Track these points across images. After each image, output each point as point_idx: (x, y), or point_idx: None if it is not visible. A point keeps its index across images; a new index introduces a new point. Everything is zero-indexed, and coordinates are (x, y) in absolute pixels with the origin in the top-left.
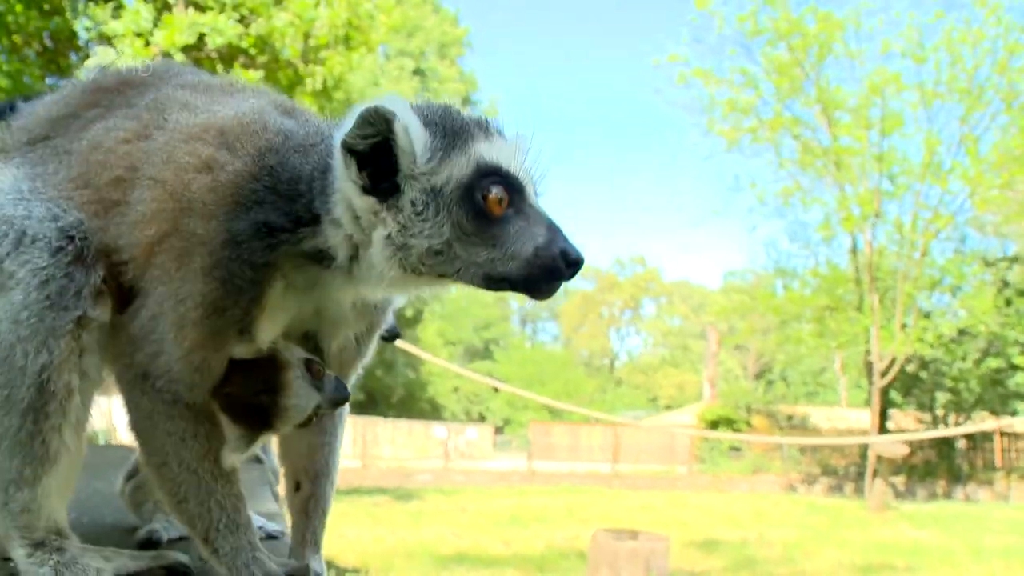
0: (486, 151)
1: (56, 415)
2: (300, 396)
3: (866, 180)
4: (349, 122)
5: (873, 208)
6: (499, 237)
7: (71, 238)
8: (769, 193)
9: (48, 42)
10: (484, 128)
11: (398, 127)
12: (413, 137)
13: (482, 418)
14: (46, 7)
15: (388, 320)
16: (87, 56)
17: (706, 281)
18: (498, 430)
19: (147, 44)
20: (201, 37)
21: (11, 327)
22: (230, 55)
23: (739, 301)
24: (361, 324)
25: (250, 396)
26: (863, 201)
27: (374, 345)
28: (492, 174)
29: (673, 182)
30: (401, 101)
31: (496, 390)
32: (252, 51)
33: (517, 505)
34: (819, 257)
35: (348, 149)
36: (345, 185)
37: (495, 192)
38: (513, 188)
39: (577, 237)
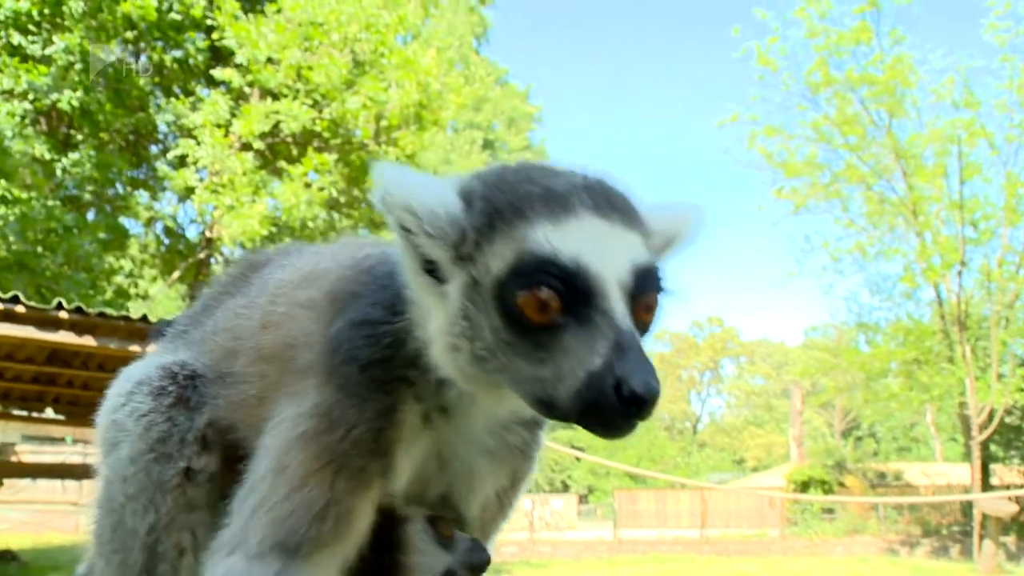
0: (541, 236)
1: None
2: (425, 554)
3: (946, 228)
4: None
5: (957, 256)
6: (547, 351)
7: (173, 376)
8: (842, 250)
9: (131, 136)
10: (554, 204)
11: (392, 206)
12: (424, 212)
13: (565, 487)
14: (130, 104)
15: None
16: (167, 148)
17: (786, 338)
18: (582, 499)
19: (226, 134)
20: (277, 124)
21: (120, 486)
22: (305, 140)
23: (821, 358)
24: (501, 475)
25: (365, 553)
26: (945, 249)
27: (519, 500)
28: (535, 271)
29: (748, 243)
30: (404, 175)
31: (578, 459)
32: (326, 135)
33: None
34: (902, 310)
35: (400, 226)
36: (407, 267)
37: (536, 294)
38: (572, 289)
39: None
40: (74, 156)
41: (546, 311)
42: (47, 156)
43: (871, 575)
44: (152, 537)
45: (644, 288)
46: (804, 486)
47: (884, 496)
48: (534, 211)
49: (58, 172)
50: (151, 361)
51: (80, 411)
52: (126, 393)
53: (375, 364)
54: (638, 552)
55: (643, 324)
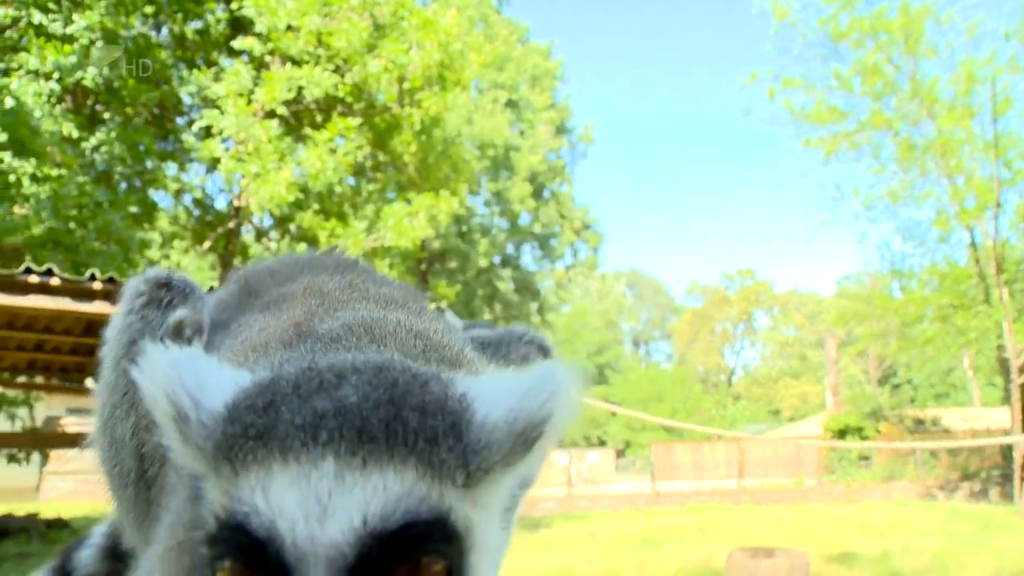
0: (247, 491)
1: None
2: None
3: (979, 169)
4: None
5: (992, 197)
6: None
7: (147, 280)
8: (874, 197)
9: (156, 110)
10: (284, 438)
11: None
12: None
13: (601, 443)
14: (154, 78)
15: None
16: (192, 120)
17: (819, 288)
18: (619, 453)
19: (249, 103)
20: (299, 91)
21: (107, 398)
22: (328, 105)
23: (855, 307)
24: None
25: None
26: (979, 191)
27: None
28: (225, 540)
29: (777, 194)
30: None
31: (614, 414)
32: (349, 99)
33: (645, 527)
34: (936, 254)
35: None
36: None
37: (226, 567)
38: (266, 567)
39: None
40: (101, 134)
41: None
42: (75, 134)
43: (909, 519)
44: (136, 439)
45: (397, 552)
46: (841, 434)
47: (925, 441)
48: (255, 453)
49: (87, 150)
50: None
51: None
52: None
53: None
54: (676, 503)
55: None
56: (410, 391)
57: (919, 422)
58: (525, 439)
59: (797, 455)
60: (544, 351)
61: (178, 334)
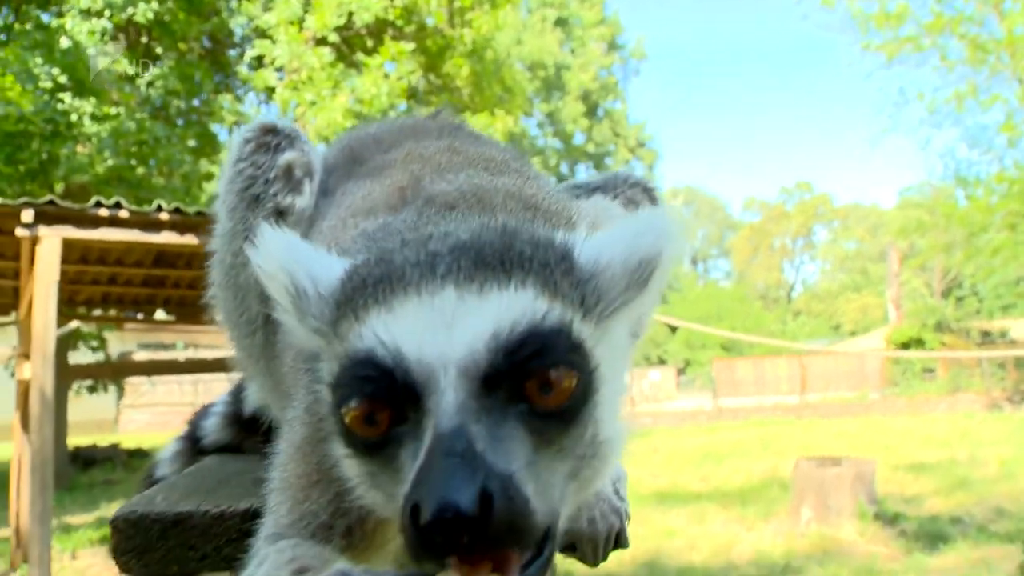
0: (369, 329)
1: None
2: None
3: None
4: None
5: None
6: (382, 469)
7: (254, 128)
8: (939, 101)
9: (208, 43)
10: (399, 278)
11: (271, 281)
12: (296, 283)
13: (662, 361)
14: (204, 11)
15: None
16: (244, 51)
17: (880, 200)
18: (680, 371)
19: (300, 30)
20: (350, 16)
21: (227, 247)
22: (379, 30)
23: (918, 217)
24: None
25: None
26: None
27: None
28: (355, 377)
29: (835, 105)
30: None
31: (673, 330)
32: (399, 23)
33: (708, 442)
34: (1005, 160)
35: None
36: None
37: (359, 406)
38: (396, 390)
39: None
40: (156, 70)
41: (374, 424)
42: (130, 71)
43: (976, 430)
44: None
45: (526, 363)
46: (904, 347)
47: (993, 351)
48: (373, 296)
49: (142, 86)
50: None
51: (188, 311)
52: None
53: None
54: (738, 419)
55: (544, 409)
56: (520, 231)
57: (986, 334)
58: (639, 276)
59: (860, 369)
60: (649, 193)
61: (288, 176)
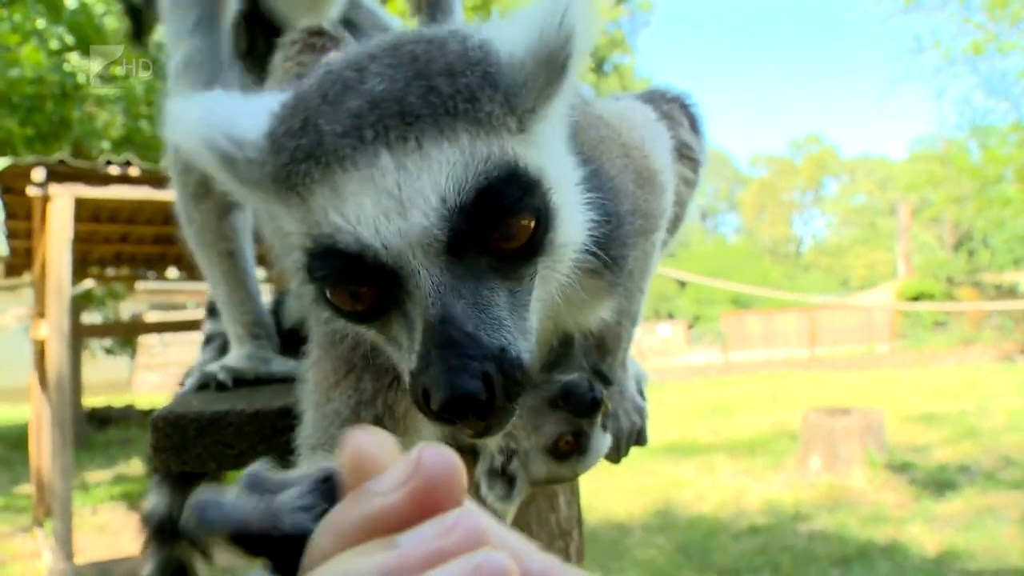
0: (320, 213)
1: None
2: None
3: None
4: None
5: None
6: (379, 332)
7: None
8: (956, 49)
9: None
10: (334, 152)
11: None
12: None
13: (671, 316)
14: None
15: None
16: None
17: (889, 152)
18: (689, 326)
19: None
20: None
21: None
22: None
23: (930, 170)
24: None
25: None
26: None
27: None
28: (323, 265)
29: (846, 56)
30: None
31: (683, 285)
32: None
33: (718, 396)
34: (1021, 110)
35: None
36: None
37: (335, 290)
38: (366, 273)
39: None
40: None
41: (359, 299)
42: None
43: (985, 382)
44: None
45: (485, 220)
46: (915, 300)
47: (1003, 303)
48: (312, 174)
49: (151, 46)
50: None
51: (199, 269)
52: None
53: None
54: (748, 372)
55: (510, 251)
56: (432, 58)
57: (997, 287)
58: (556, 64)
59: (869, 323)
60: (687, 109)
61: None
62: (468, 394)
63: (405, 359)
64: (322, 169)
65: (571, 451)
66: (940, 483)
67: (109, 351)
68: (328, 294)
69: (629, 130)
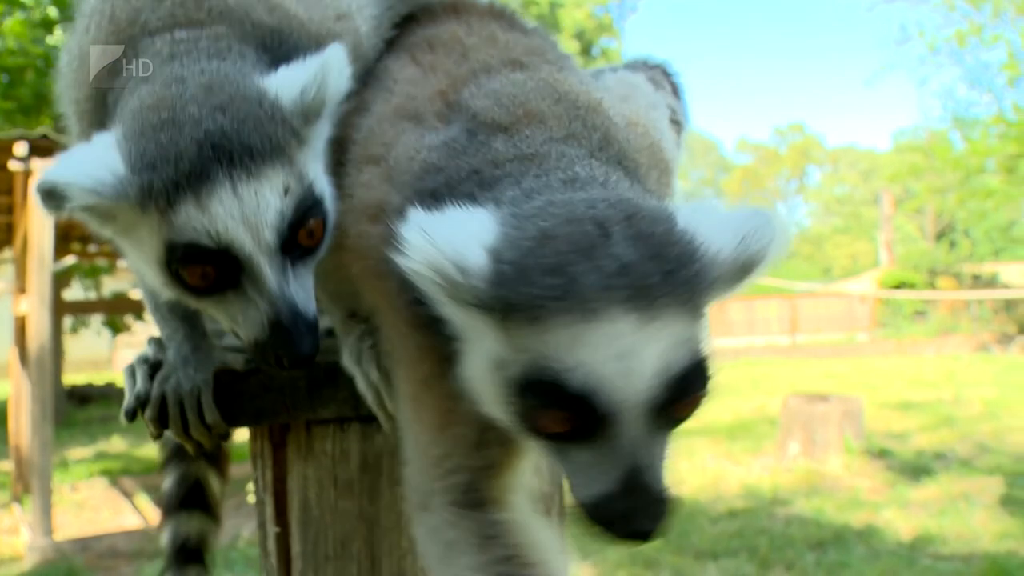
0: (553, 350)
1: None
2: None
3: None
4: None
5: None
6: (561, 459)
7: None
8: (940, 40)
9: None
10: (578, 300)
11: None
12: (447, 275)
13: None
14: None
15: None
16: None
17: (874, 143)
18: None
19: None
20: None
21: None
22: None
23: (913, 160)
24: None
25: None
26: None
27: None
28: (543, 392)
29: (832, 45)
30: (428, 221)
31: None
32: None
33: None
34: (1004, 102)
35: None
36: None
37: (544, 412)
38: (582, 413)
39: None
40: None
41: (557, 424)
42: None
43: (963, 371)
44: None
45: (682, 394)
46: (896, 289)
47: (984, 292)
48: (559, 313)
49: None
50: None
51: None
52: None
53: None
54: (729, 358)
55: (677, 421)
56: (664, 242)
57: (976, 277)
58: (744, 273)
59: (850, 311)
60: (669, 77)
61: None
62: (657, 527)
63: (583, 484)
64: (570, 312)
65: None
66: (916, 469)
67: (83, 325)
68: (534, 420)
69: (645, 124)
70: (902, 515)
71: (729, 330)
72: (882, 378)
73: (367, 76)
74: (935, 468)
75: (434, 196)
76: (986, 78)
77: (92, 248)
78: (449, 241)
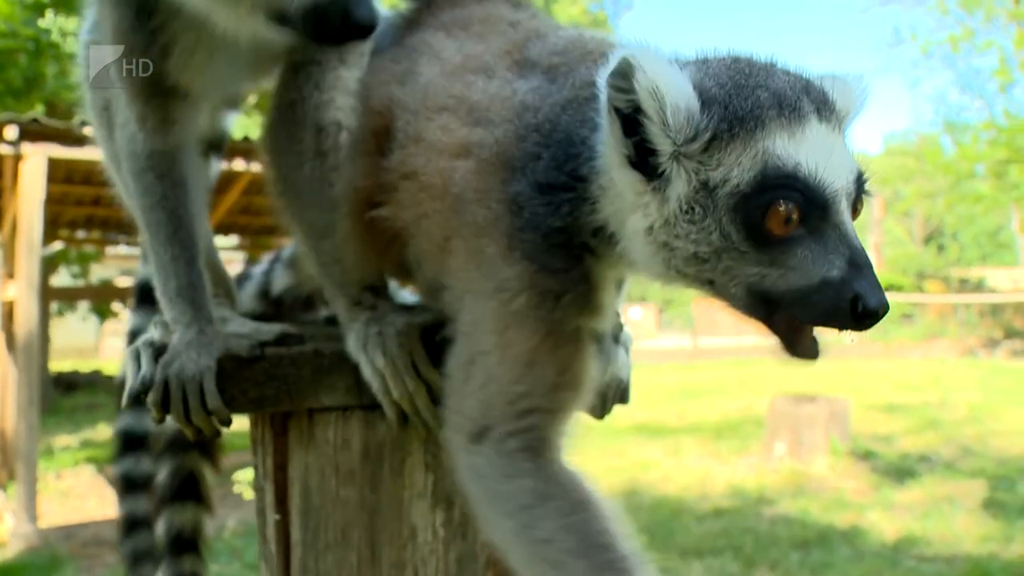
0: (782, 150)
1: (333, 154)
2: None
3: None
4: (609, 68)
5: None
6: (779, 259)
7: None
8: (934, 43)
9: None
10: (788, 111)
11: (641, 87)
12: (665, 97)
13: (643, 299)
14: None
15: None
16: None
17: (865, 146)
18: (661, 309)
19: None
20: None
21: (295, 81)
22: None
23: (904, 163)
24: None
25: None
26: None
27: None
28: (782, 186)
29: (826, 46)
30: (657, 54)
31: None
32: None
33: (686, 380)
34: (994, 108)
35: (613, 107)
36: (609, 150)
37: (782, 209)
38: (812, 204)
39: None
40: None
41: (788, 225)
42: None
43: (949, 375)
44: (318, 114)
45: (859, 195)
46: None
47: (970, 296)
48: (772, 120)
49: None
50: None
51: None
52: None
53: (557, 232)
54: (717, 358)
55: (854, 216)
56: (820, 86)
57: (964, 281)
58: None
59: None
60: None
61: None
62: (887, 311)
63: (804, 271)
64: (782, 117)
65: None
66: (901, 471)
67: (70, 309)
68: (767, 217)
69: None
70: (886, 516)
71: (717, 329)
72: (869, 380)
73: (396, 49)
74: (919, 470)
75: (537, 130)
76: (978, 83)
77: (80, 234)
78: (669, 76)
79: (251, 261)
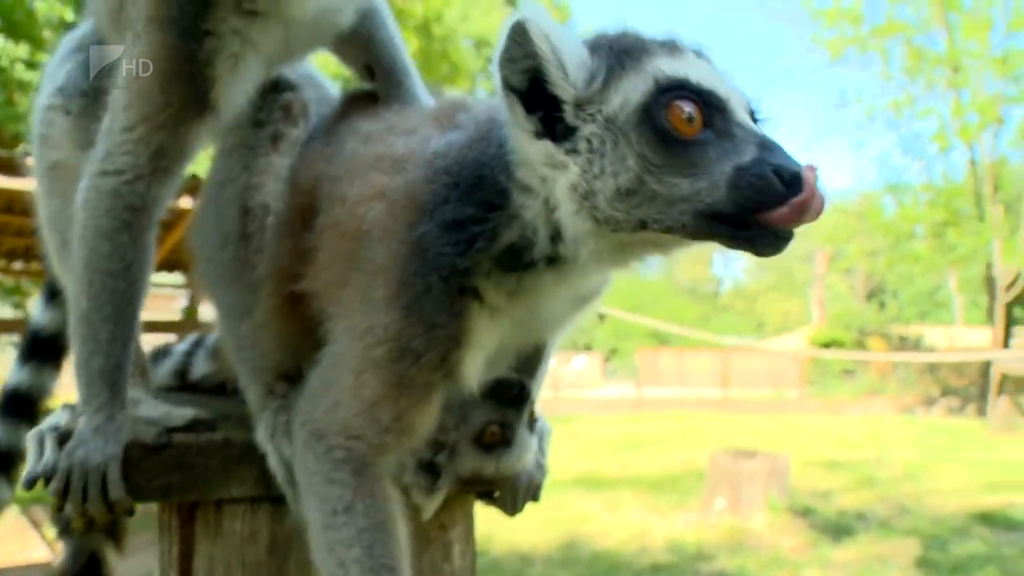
0: (668, 66)
1: (257, 237)
2: (522, 446)
3: (985, 86)
4: (499, 46)
5: (994, 115)
6: (698, 163)
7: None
8: (877, 107)
9: None
10: (671, 46)
11: (536, 38)
12: (560, 49)
13: (588, 348)
14: None
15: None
16: None
17: None
18: (606, 359)
19: None
20: None
21: (224, 164)
22: None
23: (846, 222)
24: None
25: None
26: (982, 108)
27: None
28: (674, 88)
29: (775, 104)
30: (543, 13)
31: (601, 318)
32: None
33: (629, 431)
34: (933, 171)
35: (509, 87)
36: (516, 135)
37: (682, 109)
38: (708, 104)
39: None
40: None
41: (692, 123)
42: (72, 17)
43: (887, 432)
44: (246, 196)
45: (752, 115)
46: (825, 348)
47: (910, 354)
48: (656, 49)
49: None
50: None
51: None
52: None
53: (461, 278)
54: (660, 409)
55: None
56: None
57: (903, 339)
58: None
59: (780, 367)
60: None
61: (288, 112)
62: (801, 171)
63: (722, 169)
64: (665, 50)
65: (497, 443)
66: (838, 529)
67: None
68: (668, 115)
69: None
70: (822, 575)
71: (661, 380)
72: (810, 436)
73: (326, 136)
74: (856, 528)
75: (447, 172)
76: (918, 146)
77: (16, 265)
78: (559, 30)
79: (195, 299)
